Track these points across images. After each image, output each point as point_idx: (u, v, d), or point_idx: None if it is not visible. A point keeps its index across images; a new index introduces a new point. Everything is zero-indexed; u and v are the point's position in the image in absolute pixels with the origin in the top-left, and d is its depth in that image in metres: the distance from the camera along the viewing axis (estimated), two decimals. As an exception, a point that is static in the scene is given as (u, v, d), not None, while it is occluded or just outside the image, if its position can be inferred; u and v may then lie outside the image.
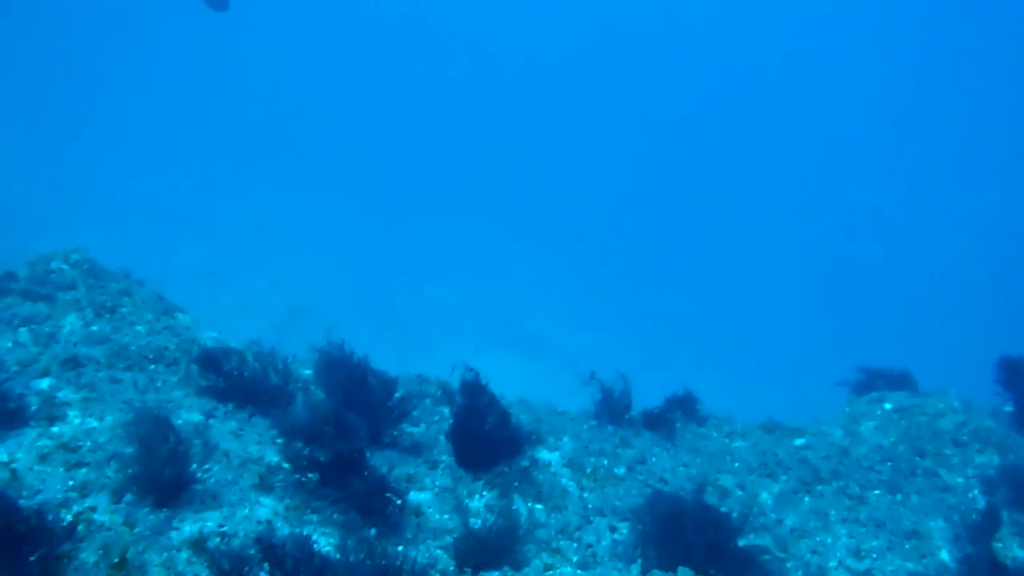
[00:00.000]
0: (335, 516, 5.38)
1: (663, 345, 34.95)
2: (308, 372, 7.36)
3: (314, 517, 5.31)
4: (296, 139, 47.58)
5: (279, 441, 5.77)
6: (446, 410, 7.39)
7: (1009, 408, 8.15)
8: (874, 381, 9.18)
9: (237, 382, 6.54)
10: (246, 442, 5.97)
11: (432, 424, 7.10)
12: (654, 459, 7.38)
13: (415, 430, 6.92)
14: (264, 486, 5.42)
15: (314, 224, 37.82)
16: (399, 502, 5.55)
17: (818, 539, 6.48)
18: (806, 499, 7.09)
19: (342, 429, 5.53)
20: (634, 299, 39.19)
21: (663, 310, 38.77)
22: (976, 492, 7.28)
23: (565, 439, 7.35)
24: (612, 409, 8.09)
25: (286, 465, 5.64)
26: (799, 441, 8.00)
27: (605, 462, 7.05)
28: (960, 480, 7.42)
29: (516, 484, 6.37)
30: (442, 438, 6.81)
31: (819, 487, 7.27)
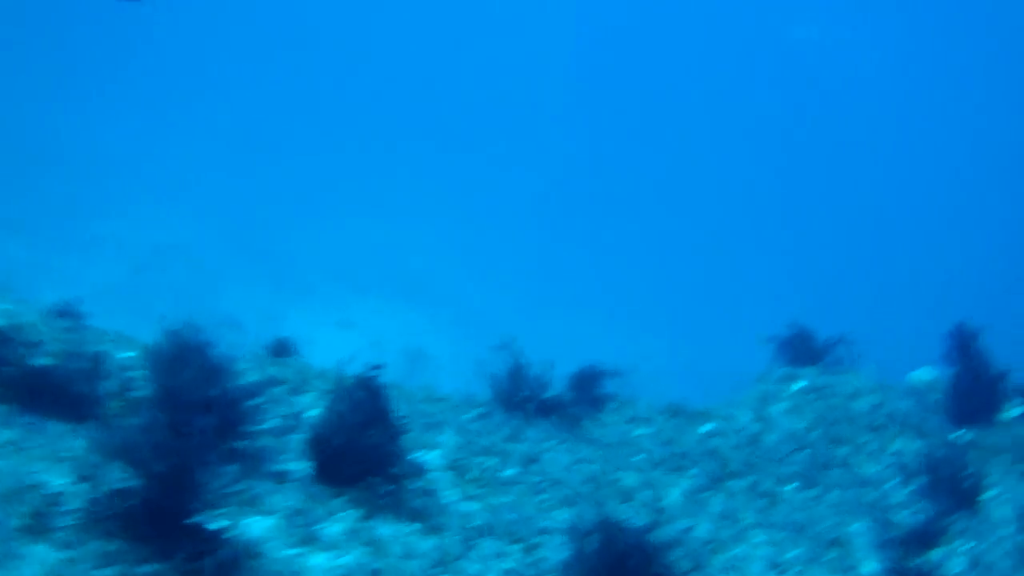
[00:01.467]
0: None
1: (566, 298, 34.36)
2: (130, 355, 5.95)
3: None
4: (179, 78, 43.95)
5: (75, 459, 4.44)
6: (304, 399, 6.17)
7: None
8: (789, 350, 8.49)
9: (22, 376, 5.11)
10: (26, 461, 4.58)
11: (284, 420, 5.86)
12: (549, 454, 6.41)
13: (261, 428, 5.67)
14: (37, 529, 4.07)
15: (188, 161, 35.01)
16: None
17: (734, 552, 5.68)
18: (717, 499, 6.29)
19: (164, 448, 4.24)
20: (540, 251, 38.46)
21: (575, 263, 38.23)
22: (894, 482, 6.66)
23: (447, 434, 6.27)
24: (506, 394, 7.07)
25: (78, 495, 4.31)
26: (706, 427, 7.20)
27: (493, 462, 6.02)
28: (877, 469, 6.79)
29: (385, 499, 5.25)
30: (295, 438, 5.59)
31: (730, 483, 6.49)
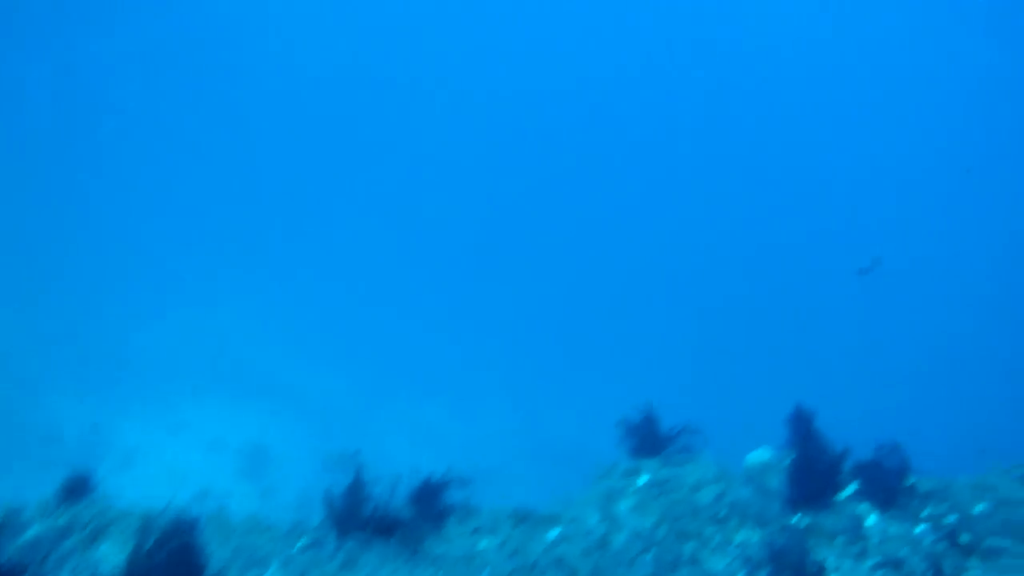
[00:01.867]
0: None
1: (410, 381, 33.73)
2: None
3: None
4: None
5: None
6: (102, 548, 5.44)
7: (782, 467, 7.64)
8: (634, 438, 8.43)
9: None
10: None
11: None
12: (386, 582, 5.94)
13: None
14: None
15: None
16: None
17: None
18: (566, 613, 6.00)
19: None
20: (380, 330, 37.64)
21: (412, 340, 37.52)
22: (740, 577, 6.60)
23: (271, 571, 5.68)
24: (342, 514, 6.56)
25: None
26: (553, 533, 6.93)
27: (323, 602, 5.49)
28: (724, 563, 6.72)
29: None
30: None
31: (579, 594, 6.23)
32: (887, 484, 7.38)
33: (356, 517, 6.65)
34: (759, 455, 8.62)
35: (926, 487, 7.40)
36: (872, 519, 7.18)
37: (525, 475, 31.70)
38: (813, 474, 7.49)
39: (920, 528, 7.06)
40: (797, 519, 7.28)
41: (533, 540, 6.81)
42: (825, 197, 56.25)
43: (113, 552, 5.30)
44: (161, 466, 23.97)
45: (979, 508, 7.06)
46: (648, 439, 8.35)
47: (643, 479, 7.53)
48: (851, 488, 7.60)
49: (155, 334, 30.89)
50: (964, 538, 6.87)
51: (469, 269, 46.67)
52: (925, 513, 7.17)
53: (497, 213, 54.24)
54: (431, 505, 7.06)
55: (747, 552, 6.83)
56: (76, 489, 6.37)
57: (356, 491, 6.69)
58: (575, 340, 40.63)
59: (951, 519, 7.02)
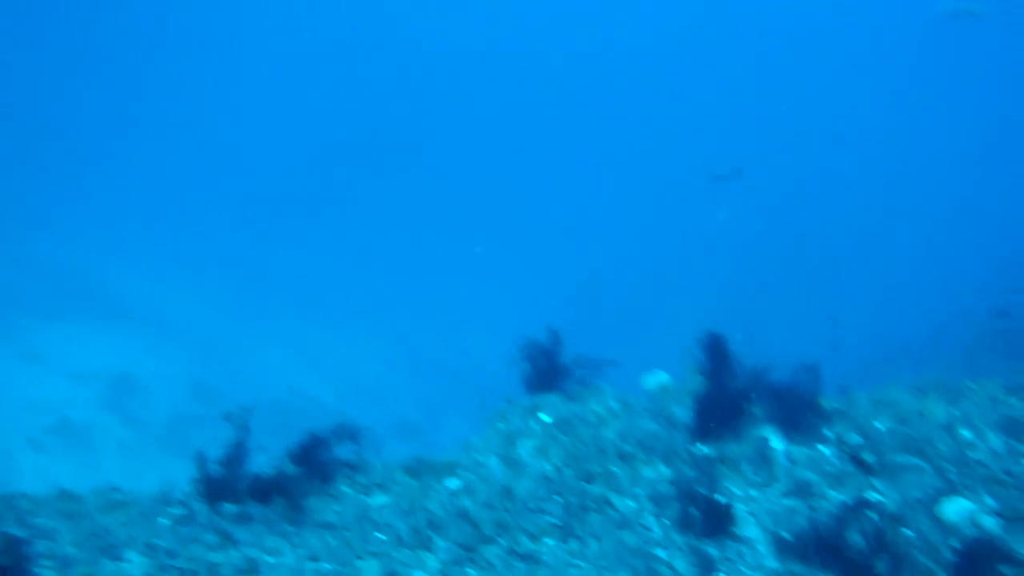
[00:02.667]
0: None
1: (281, 306, 32.37)
2: None
3: None
4: None
5: None
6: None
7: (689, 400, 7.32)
8: (532, 371, 7.94)
9: None
10: None
11: None
12: (271, 558, 5.27)
13: None
14: None
15: None
16: None
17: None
18: (472, 574, 5.52)
19: None
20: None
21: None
22: (650, 518, 6.30)
23: (130, 557, 4.91)
24: (216, 482, 5.80)
25: None
26: (453, 483, 6.41)
27: (196, 592, 4.78)
28: (632, 505, 6.39)
29: None
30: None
31: (485, 550, 5.75)
32: (792, 406, 7.20)
33: (232, 482, 5.91)
34: (655, 379, 8.32)
35: (829, 406, 7.27)
36: (778, 444, 7.00)
37: (406, 389, 31.47)
38: (719, 402, 7.23)
39: (824, 449, 6.94)
40: (703, 450, 7.03)
41: (431, 493, 6.27)
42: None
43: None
44: (17, 397, 22.28)
45: (881, 424, 6.98)
46: (547, 371, 7.88)
47: (544, 417, 7.07)
48: (757, 413, 7.40)
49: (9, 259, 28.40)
50: (868, 457, 6.78)
51: (349, 189, 45.08)
52: (829, 434, 7.04)
53: (378, 134, 52.45)
54: (315, 461, 6.39)
55: (656, 489, 6.53)
56: None
57: (231, 451, 5.93)
58: (460, 261, 40.08)
59: (855, 438, 6.92)
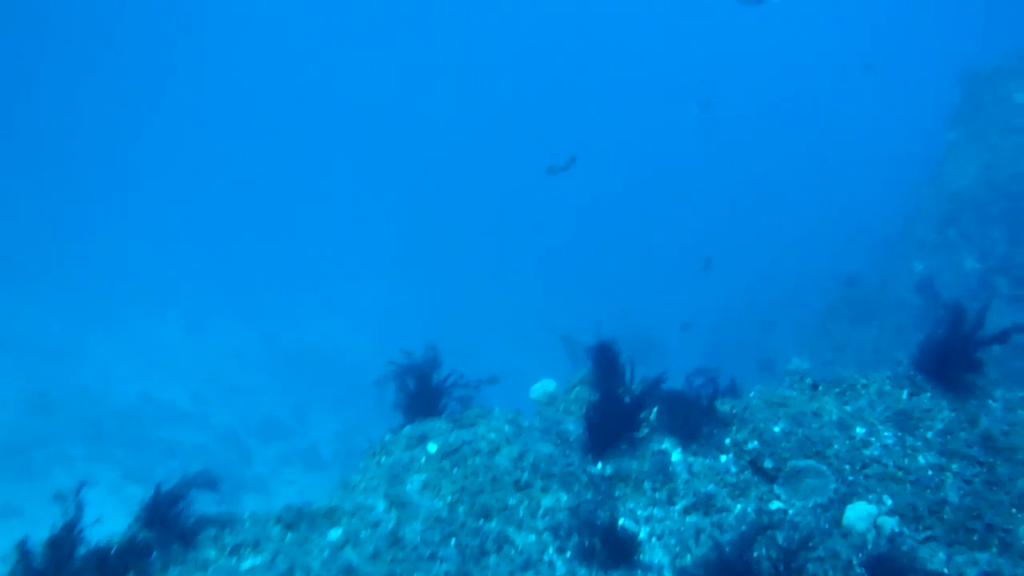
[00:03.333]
0: None
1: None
2: None
3: None
4: None
5: None
6: None
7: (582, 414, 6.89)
8: (405, 394, 7.34)
9: None
10: None
11: None
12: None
13: None
14: None
15: None
16: None
17: None
18: (364, 645, 4.91)
19: None
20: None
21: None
22: (551, 553, 5.86)
23: None
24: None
25: None
26: (335, 534, 5.74)
27: None
28: (532, 540, 5.93)
29: None
30: None
31: (376, 613, 5.14)
32: (688, 414, 6.93)
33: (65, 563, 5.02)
34: (542, 388, 7.92)
35: (724, 410, 7.05)
36: (677, 455, 6.72)
37: (268, 387, 30.06)
38: (610, 413, 6.85)
39: (724, 458, 6.72)
40: (600, 468, 6.66)
41: (311, 547, 5.59)
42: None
43: None
44: None
45: (777, 428, 6.82)
46: (424, 393, 7.31)
47: (432, 447, 6.49)
48: (652, 424, 7.09)
49: None
50: (767, 463, 6.60)
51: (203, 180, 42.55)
52: (727, 441, 6.82)
53: (239, 125, 49.87)
54: (174, 522, 5.57)
55: (556, 519, 6.10)
56: None
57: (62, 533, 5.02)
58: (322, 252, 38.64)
59: (753, 444, 6.72)
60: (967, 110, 24.81)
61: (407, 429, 6.79)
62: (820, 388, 7.22)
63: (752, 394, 7.33)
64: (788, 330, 26.19)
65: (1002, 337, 7.18)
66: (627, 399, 6.79)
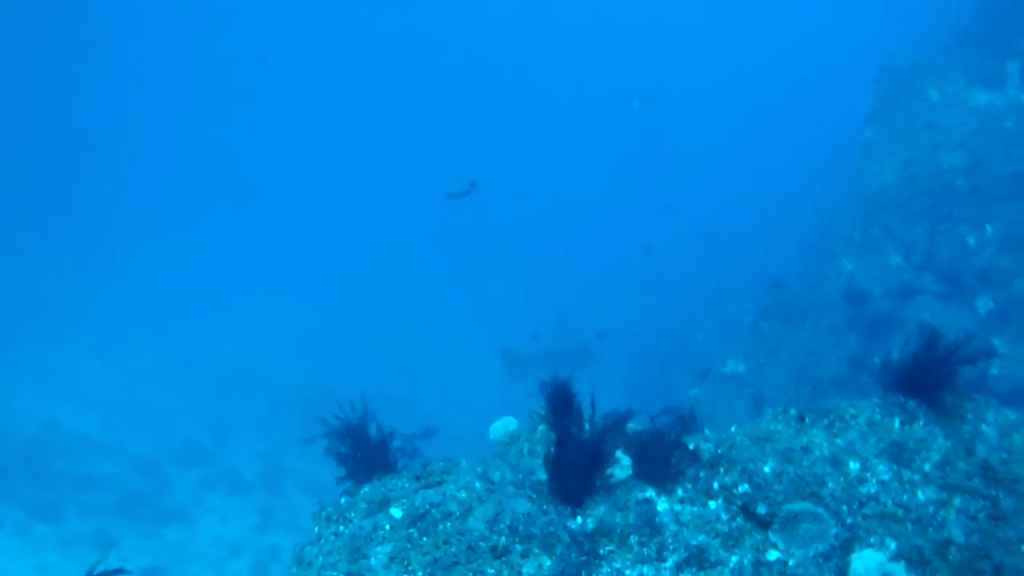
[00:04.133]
0: None
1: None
2: None
3: None
4: None
5: None
6: None
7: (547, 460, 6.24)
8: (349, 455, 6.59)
9: None
10: None
11: None
12: None
13: None
14: None
15: None
16: None
17: None
18: None
19: None
20: None
21: None
22: (541, 629, 5.21)
23: None
24: None
25: None
26: (292, 629, 4.96)
27: None
28: (518, 615, 5.27)
29: None
30: None
31: None
32: (664, 457, 6.37)
33: None
34: (502, 427, 7.28)
35: (708, 450, 6.53)
36: (663, 504, 6.15)
37: (185, 409, 28.54)
38: (572, 458, 6.21)
39: (713, 505, 6.19)
40: (581, 524, 6.04)
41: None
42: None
43: None
44: None
45: (767, 468, 6.33)
46: (370, 454, 6.60)
47: (396, 512, 5.75)
48: (625, 466, 6.51)
49: None
50: (760, 508, 6.10)
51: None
52: (715, 485, 6.29)
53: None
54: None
55: (541, 588, 5.45)
56: None
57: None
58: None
59: (743, 488, 6.21)
60: (884, 107, 25.17)
61: (365, 491, 6.04)
62: (807, 420, 6.76)
63: (734, 429, 6.84)
64: (718, 332, 26.24)
65: (972, 358, 6.86)
66: (585, 437, 6.18)
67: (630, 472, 6.42)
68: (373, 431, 6.81)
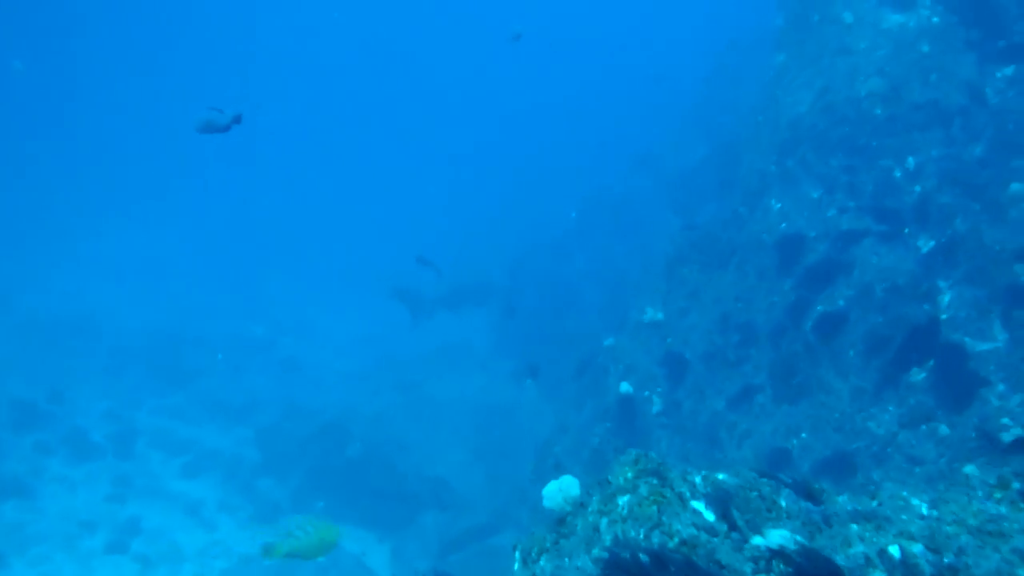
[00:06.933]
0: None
1: None
2: None
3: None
4: None
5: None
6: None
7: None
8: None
9: None
10: None
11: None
12: None
13: None
14: None
15: None
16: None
17: None
18: None
19: None
20: None
21: None
22: None
23: None
24: None
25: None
26: None
27: None
28: None
29: None
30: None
31: None
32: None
33: None
34: (562, 490, 4.87)
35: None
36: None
37: (9, 363, 24.63)
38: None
39: None
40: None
41: None
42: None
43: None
44: None
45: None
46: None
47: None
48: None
49: None
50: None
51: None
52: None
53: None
54: None
55: None
56: None
57: None
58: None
59: None
60: (793, 32, 23.70)
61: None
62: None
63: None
64: (604, 279, 24.76)
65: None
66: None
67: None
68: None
